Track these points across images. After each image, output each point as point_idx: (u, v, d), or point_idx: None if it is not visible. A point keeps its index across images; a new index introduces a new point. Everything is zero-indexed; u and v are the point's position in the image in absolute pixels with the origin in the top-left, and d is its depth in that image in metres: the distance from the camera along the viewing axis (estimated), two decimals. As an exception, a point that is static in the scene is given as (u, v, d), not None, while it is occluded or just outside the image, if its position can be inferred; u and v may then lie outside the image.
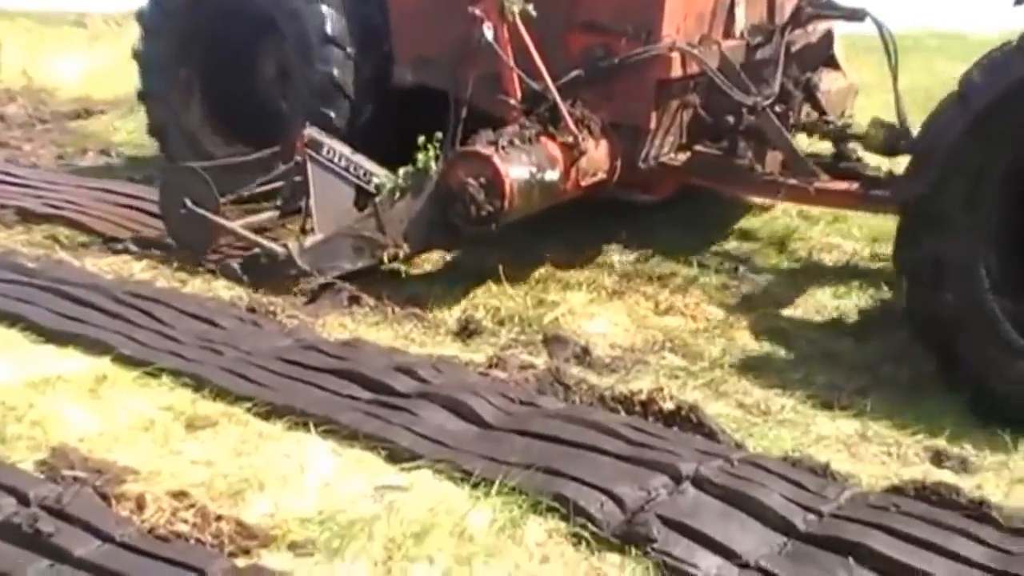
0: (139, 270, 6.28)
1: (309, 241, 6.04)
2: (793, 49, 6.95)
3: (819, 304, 6.12)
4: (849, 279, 6.42)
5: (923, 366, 5.34)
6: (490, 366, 4.99)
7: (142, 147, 8.99)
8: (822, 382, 5.25)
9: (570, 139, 5.95)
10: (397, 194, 5.96)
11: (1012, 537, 3.64)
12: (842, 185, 6.32)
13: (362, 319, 5.69)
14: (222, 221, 6.26)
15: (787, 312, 6.01)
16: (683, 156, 6.63)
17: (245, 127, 7.78)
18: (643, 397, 4.58)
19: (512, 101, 6.17)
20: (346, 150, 6.35)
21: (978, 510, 3.78)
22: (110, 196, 7.41)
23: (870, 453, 4.53)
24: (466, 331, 5.61)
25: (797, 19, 6.95)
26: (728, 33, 6.77)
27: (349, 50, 7.13)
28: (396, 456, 4.02)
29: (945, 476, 4.25)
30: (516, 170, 5.67)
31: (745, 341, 5.65)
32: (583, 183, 6.10)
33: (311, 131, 6.31)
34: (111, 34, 14.19)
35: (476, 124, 6.16)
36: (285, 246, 6.02)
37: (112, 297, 5.37)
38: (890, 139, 6.30)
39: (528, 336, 5.55)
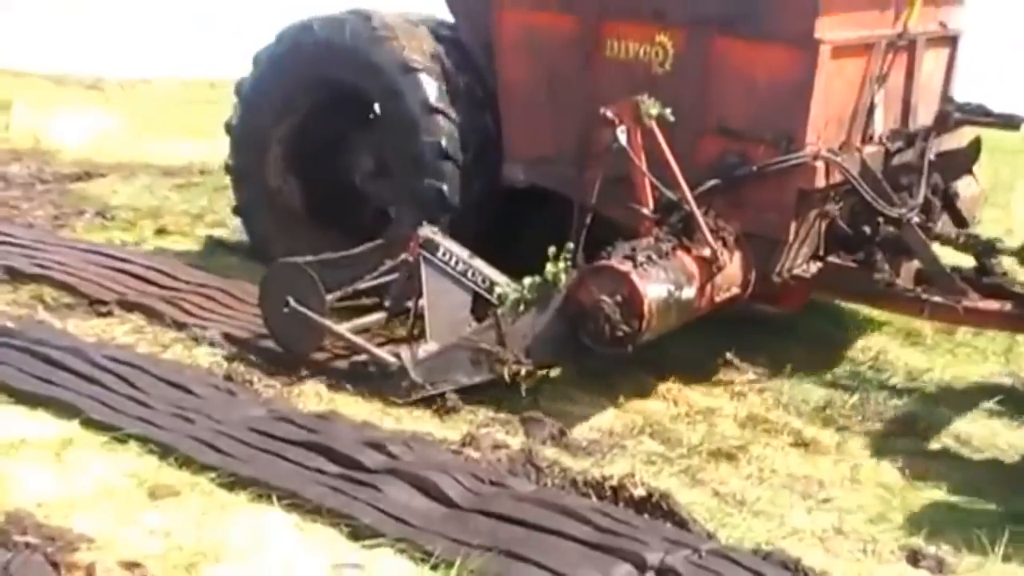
0: (121, 334, 6.18)
1: (423, 351, 5.63)
2: (935, 156, 6.58)
3: (805, 394, 6.05)
4: (839, 372, 6.37)
5: (906, 463, 5.29)
6: (463, 444, 4.92)
7: (138, 211, 9.01)
8: (802, 473, 5.18)
9: (707, 252, 5.59)
10: (522, 306, 5.54)
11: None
12: (994, 305, 5.96)
13: (340, 390, 5.64)
14: (329, 323, 5.81)
15: (772, 401, 5.95)
16: (815, 267, 6.24)
17: (340, 214, 7.43)
18: (614, 482, 4.51)
19: (645, 210, 5.76)
20: (464, 253, 5.92)
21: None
22: (100, 258, 7.37)
23: (845, 549, 4.45)
24: (444, 408, 5.52)
25: (943, 124, 6.61)
26: (866, 138, 6.40)
27: (461, 161, 6.71)
28: (358, 533, 3.97)
29: (920, 576, 4.16)
30: (654, 288, 5.26)
31: (726, 428, 5.57)
32: (717, 299, 5.74)
33: (427, 230, 5.94)
34: (124, 98, 14.36)
35: (598, 231, 5.85)
36: (398, 356, 5.61)
37: (89, 360, 5.32)
38: None
39: (506, 415, 5.47)
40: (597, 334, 5.24)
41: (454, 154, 6.66)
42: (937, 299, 5.92)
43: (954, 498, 5.00)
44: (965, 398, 6.04)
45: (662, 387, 6.01)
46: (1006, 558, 4.36)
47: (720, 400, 5.95)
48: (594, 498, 4.48)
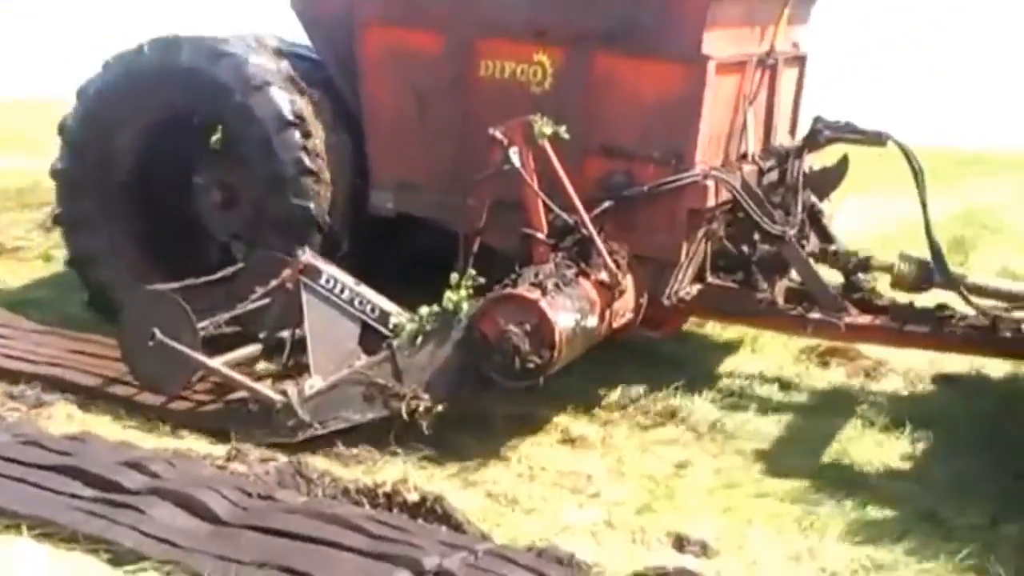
0: None
1: (310, 387, 5.24)
2: (806, 173, 6.56)
3: (570, 391, 6.14)
4: (602, 367, 6.48)
5: (669, 453, 5.46)
6: (228, 459, 4.76)
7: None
8: (570, 469, 5.24)
9: (606, 277, 5.44)
10: (419, 338, 5.21)
11: (748, 620, 3.69)
12: (874, 320, 5.99)
13: (92, 409, 5.34)
14: (203, 358, 5.36)
15: (538, 399, 6.01)
16: (695, 289, 6.14)
17: (188, 257, 6.83)
18: (387, 489, 4.45)
19: (540, 235, 5.54)
20: (349, 280, 5.57)
21: (714, 596, 3.82)
22: None
23: (615, 540, 4.52)
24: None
25: (814, 142, 6.47)
26: (740, 156, 6.35)
27: (325, 177, 6.28)
28: (120, 559, 3.78)
29: (687, 561, 4.28)
30: (564, 317, 5.06)
31: (495, 430, 5.60)
32: (615, 324, 5.59)
33: (307, 255, 5.56)
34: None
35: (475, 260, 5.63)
36: (283, 392, 5.21)
37: None
38: (923, 274, 6.02)
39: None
40: (504, 366, 5.00)
41: (317, 170, 6.24)
42: (819, 316, 5.93)
43: (714, 484, 5.19)
44: (722, 388, 6.27)
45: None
46: (765, 539, 4.55)
47: (487, 402, 5.96)
48: (367, 506, 4.42)
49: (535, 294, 5.03)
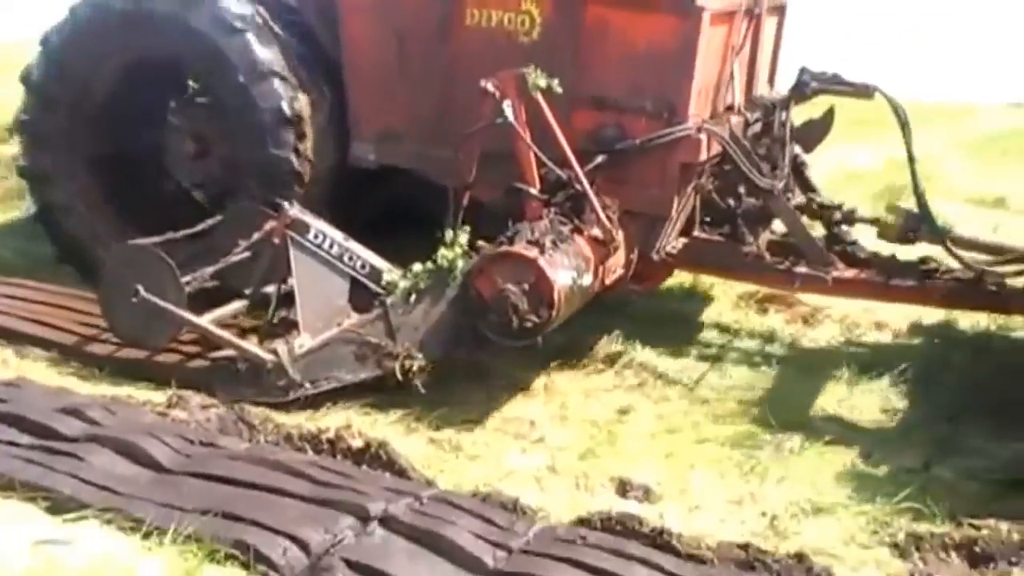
0: None
1: (301, 346, 5.08)
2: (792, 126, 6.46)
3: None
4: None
5: (611, 399, 5.48)
6: (169, 406, 4.69)
7: None
8: (513, 415, 5.26)
9: (601, 234, 5.34)
10: (413, 296, 5.12)
11: (689, 563, 3.73)
12: (861, 274, 5.98)
13: (29, 356, 5.24)
14: (188, 316, 5.18)
15: (486, 348, 5.98)
16: (680, 243, 6.10)
17: (160, 211, 6.61)
18: (331, 435, 4.43)
19: (533, 190, 5.45)
20: (338, 235, 5.40)
21: (659, 538, 3.86)
22: None
23: (559, 486, 4.56)
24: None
25: (800, 93, 6.32)
26: (727, 108, 6.27)
27: (305, 128, 6.09)
28: (59, 507, 3.70)
29: (630, 506, 4.33)
30: (562, 274, 4.96)
31: (437, 376, 5.57)
32: (607, 281, 5.51)
33: (294, 209, 5.36)
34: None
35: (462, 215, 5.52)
36: (274, 351, 5.04)
37: None
38: (908, 225, 6.02)
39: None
40: (502, 325, 4.91)
41: (296, 120, 6.05)
42: (807, 271, 5.92)
43: (656, 430, 5.23)
44: (665, 334, 6.30)
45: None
46: (706, 484, 4.60)
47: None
48: (310, 452, 4.40)
49: (533, 252, 4.91)
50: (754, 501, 4.50)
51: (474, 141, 5.48)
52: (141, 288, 5.10)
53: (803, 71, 6.29)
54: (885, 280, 5.94)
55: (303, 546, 3.53)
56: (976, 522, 4.27)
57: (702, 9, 5.53)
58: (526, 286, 4.87)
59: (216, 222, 5.80)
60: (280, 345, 5.05)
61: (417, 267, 5.16)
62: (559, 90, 5.40)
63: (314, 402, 5.08)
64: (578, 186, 5.38)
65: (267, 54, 6.03)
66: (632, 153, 5.60)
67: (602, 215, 5.36)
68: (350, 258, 5.36)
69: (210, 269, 5.47)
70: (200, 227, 5.76)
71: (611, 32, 5.66)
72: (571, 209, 5.37)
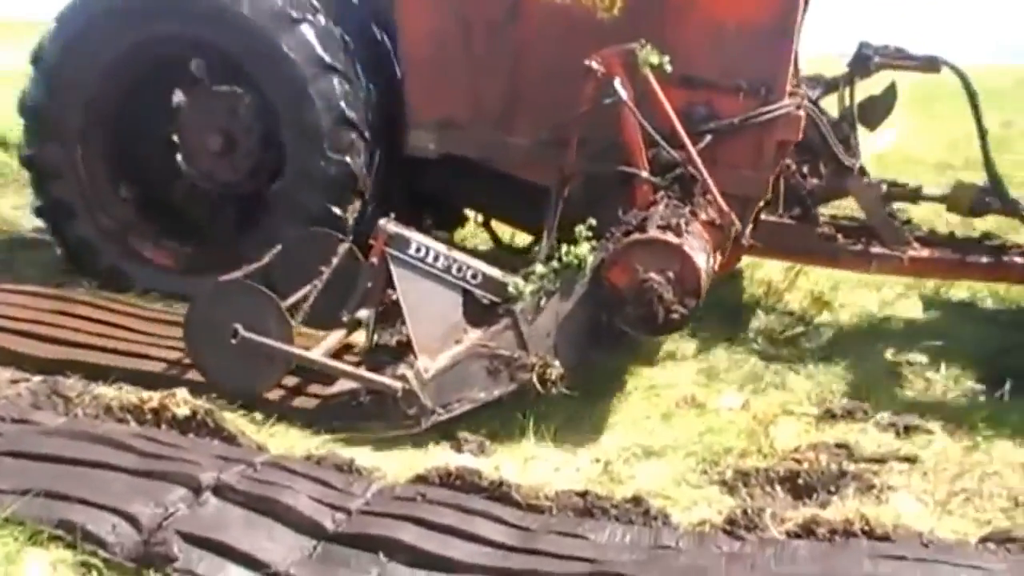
0: None
1: (427, 368, 4.58)
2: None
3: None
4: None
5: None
6: (-27, 384, 4.41)
7: None
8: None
9: (718, 218, 5.06)
10: (541, 300, 4.69)
11: (530, 514, 3.75)
12: (936, 253, 5.83)
13: None
14: (299, 351, 4.66)
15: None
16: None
17: (176, 207, 6.21)
18: (154, 404, 4.25)
19: (644, 174, 5.15)
20: (441, 247, 4.91)
21: (498, 491, 3.86)
22: None
23: (394, 445, 4.50)
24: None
25: (864, 68, 6.09)
26: (795, 86, 5.91)
27: (366, 129, 5.72)
28: None
29: (466, 460, 4.31)
30: (701, 259, 4.59)
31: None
32: (717, 268, 5.15)
33: (390, 224, 4.87)
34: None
35: (525, 205, 5.37)
36: (402, 377, 4.52)
37: None
38: (980, 199, 5.90)
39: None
40: (643, 318, 4.51)
41: (355, 122, 5.67)
42: (882, 251, 5.77)
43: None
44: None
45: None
46: (536, 434, 4.63)
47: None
48: (133, 423, 4.21)
49: (676, 237, 4.58)
50: (586, 448, 4.57)
51: (576, 125, 5.19)
52: (240, 327, 4.60)
53: (864, 45, 6.05)
54: (962, 258, 5.87)
55: (133, 521, 3.38)
56: (797, 456, 4.45)
57: None
58: (670, 274, 4.50)
59: (281, 250, 5.45)
60: (407, 370, 4.55)
61: (540, 268, 4.77)
62: (670, 68, 5.10)
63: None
64: (692, 169, 5.13)
65: (326, 48, 5.64)
66: (724, 133, 5.36)
67: (719, 198, 5.10)
68: (459, 269, 4.88)
69: (292, 299, 5.08)
70: (267, 258, 5.40)
71: (699, 6, 5.39)
72: (682, 193, 5.12)
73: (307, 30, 5.63)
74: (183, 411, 4.23)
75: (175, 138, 6.21)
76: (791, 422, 4.94)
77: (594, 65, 5.06)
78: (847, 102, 6.08)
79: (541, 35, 5.53)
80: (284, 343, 4.62)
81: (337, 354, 4.94)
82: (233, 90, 5.91)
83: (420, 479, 3.99)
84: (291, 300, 4.99)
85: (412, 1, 5.77)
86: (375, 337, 5.11)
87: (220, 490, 3.63)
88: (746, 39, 5.34)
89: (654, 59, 5.07)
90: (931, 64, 5.98)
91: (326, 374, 4.73)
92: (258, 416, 4.60)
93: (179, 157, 6.18)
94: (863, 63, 6.06)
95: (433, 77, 5.78)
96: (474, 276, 4.87)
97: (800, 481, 4.21)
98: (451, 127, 5.80)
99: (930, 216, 7.00)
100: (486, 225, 6.80)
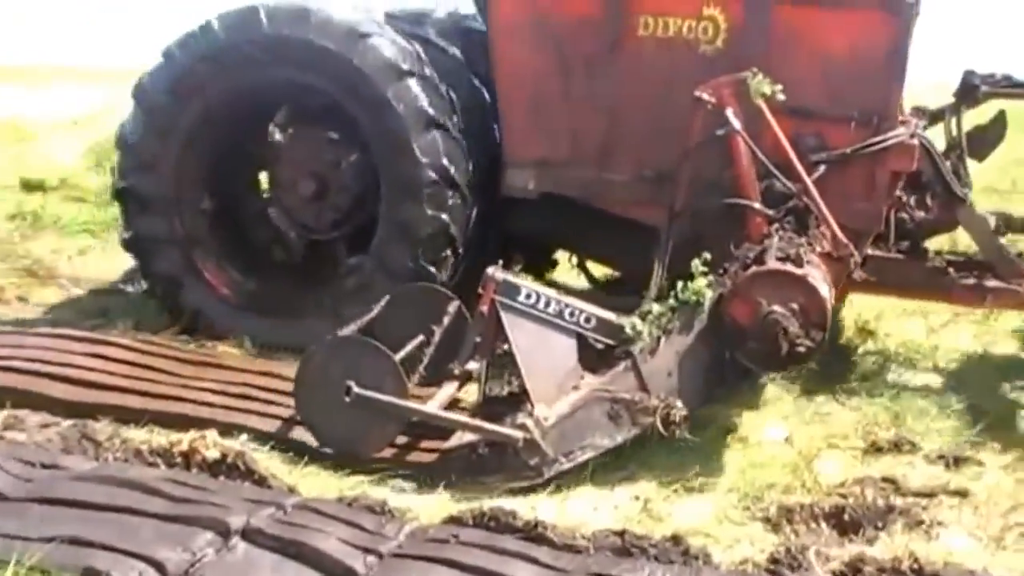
0: None
1: (546, 415, 4.45)
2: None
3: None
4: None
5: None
6: (4, 428, 4.38)
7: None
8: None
9: (835, 250, 4.94)
10: (661, 338, 4.56)
11: (566, 554, 3.65)
12: None
13: None
14: (418, 407, 4.57)
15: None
16: None
17: (259, 246, 6.22)
18: (184, 447, 4.20)
19: (757, 205, 5.06)
20: (551, 292, 4.82)
21: (534, 531, 3.77)
22: None
23: (425, 487, 4.41)
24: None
25: (972, 98, 5.89)
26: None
27: (465, 186, 5.63)
28: None
29: (501, 501, 4.21)
30: (825, 289, 4.47)
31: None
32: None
33: (498, 272, 4.75)
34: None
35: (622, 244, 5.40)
36: (523, 427, 4.39)
37: None
38: None
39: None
40: (767, 353, 4.40)
41: (459, 178, 5.61)
42: (998, 284, 5.55)
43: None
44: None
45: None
46: (573, 471, 4.51)
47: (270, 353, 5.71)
48: (163, 467, 4.16)
49: (798, 269, 4.46)
50: (625, 485, 4.45)
51: (687, 159, 5.11)
52: (354, 384, 4.49)
53: (970, 74, 5.88)
54: None
55: (160, 568, 3.32)
56: (843, 490, 4.32)
57: (910, 5, 5.16)
58: (795, 306, 4.39)
59: (386, 304, 5.33)
60: (526, 419, 4.42)
61: (656, 307, 4.66)
62: (782, 97, 5.01)
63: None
64: (808, 200, 5.02)
65: (431, 103, 5.59)
66: (835, 163, 5.23)
67: (837, 230, 4.98)
68: (571, 314, 4.75)
69: (400, 355, 4.84)
70: (375, 311, 5.27)
71: (807, 34, 5.27)
72: (797, 225, 4.99)
73: (414, 84, 5.58)
74: (213, 453, 4.18)
75: (265, 179, 6.29)
76: (836, 455, 4.81)
77: (704, 96, 5.00)
78: (955, 132, 5.90)
79: (642, 70, 5.45)
80: (399, 399, 4.51)
81: (449, 408, 4.80)
82: (330, 136, 5.91)
83: (454, 520, 3.91)
84: (399, 356, 4.82)
85: (509, 39, 5.66)
86: (486, 389, 4.98)
87: (249, 534, 3.57)
88: (855, 67, 5.23)
89: (766, 88, 4.99)
90: None
91: (440, 428, 4.60)
92: (291, 456, 4.54)
93: (268, 199, 6.26)
94: (970, 92, 5.88)
95: (531, 115, 5.69)
96: (587, 320, 4.75)
97: (846, 517, 4.08)
98: (550, 166, 5.70)
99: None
100: (580, 266, 6.68)
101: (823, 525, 4.08)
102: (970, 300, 5.75)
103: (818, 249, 4.85)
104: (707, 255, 4.66)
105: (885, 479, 4.46)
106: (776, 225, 4.98)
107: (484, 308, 4.74)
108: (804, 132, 5.21)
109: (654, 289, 4.93)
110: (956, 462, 4.70)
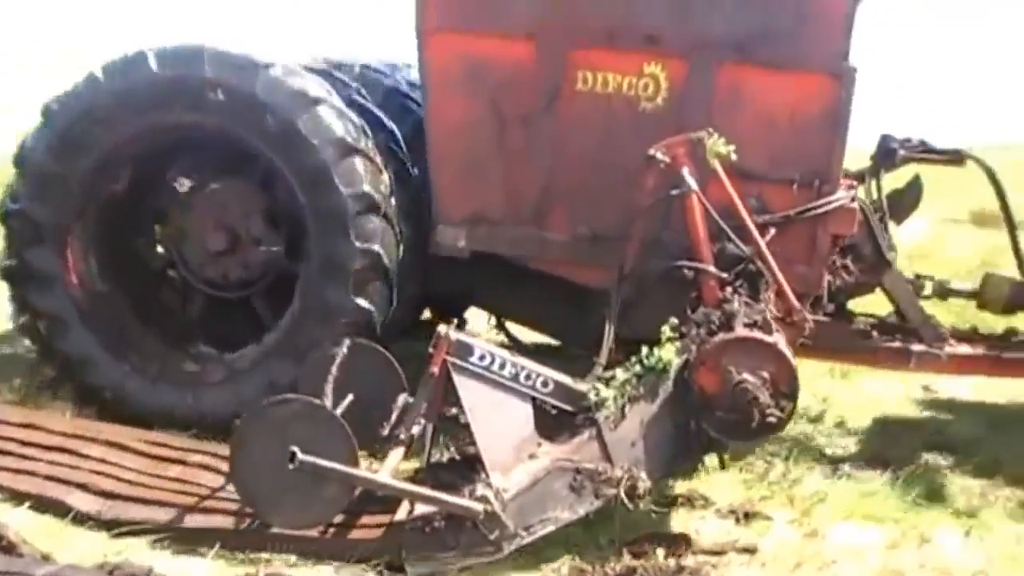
0: None
1: (508, 488, 4.16)
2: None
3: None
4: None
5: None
6: None
7: None
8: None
9: (789, 315, 4.80)
10: (626, 406, 4.33)
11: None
12: (975, 350, 5.62)
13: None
14: (370, 475, 4.19)
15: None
16: None
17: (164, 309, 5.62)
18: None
19: (711, 269, 4.86)
20: (505, 353, 4.50)
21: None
22: None
23: (197, 549, 4.09)
24: None
25: (889, 162, 5.84)
26: None
27: (394, 218, 5.28)
28: None
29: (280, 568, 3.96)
30: (793, 359, 4.34)
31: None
32: None
33: (452, 331, 4.41)
34: None
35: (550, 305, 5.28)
36: (483, 499, 4.09)
37: None
38: (1016, 294, 5.73)
39: None
40: (736, 424, 4.26)
41: (385, 208, 5.22)
42: (923, 348, 5.54)
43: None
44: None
45: None
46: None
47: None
48: None
49: (772, 337, 4.35)
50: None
51: (641, 220, 4.96)
52: (298, 451, 4.05)
53: (887, 138, 5.90)
54: (999, 354, 5.68)
55: None
56: (635, 549, 4.24)
57: (853, 68, 5.09)
58: (765, 375, 4.27)
59: (312, 361, 4.85)
60: (486, 491, 4.13)
61: (621, 374, 4.43)
62: (735, 157, 4.87)
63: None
64: (761, 263, 4.89)
65: (346, 129, 5.22)
66: (777, 226, 5.11)
67: (791, 294, 4.88)
68: (527, 377, 4.47)
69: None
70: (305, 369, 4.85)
71: (749, 94, 5.16)
72: (749, 289, 4.84)
73: (325, 111, 5.23)
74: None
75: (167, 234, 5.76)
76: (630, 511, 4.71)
77: (659, 155, 4.87)
78: (875, 195, 5.89)
79: (580, 126, 5.26)
80: (349, 466, 4.13)
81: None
82: (237, 181, 5.55)
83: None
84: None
85: (442, 90, 5.37)
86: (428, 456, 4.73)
87: (-11, 610, 3.21)
88: (798, 130, 5.17)
89: (722, 149, 4.87)
90: (956, 157, 5.91)
91: (387, 499, 4.29)
92: (42, 520, 4.15)
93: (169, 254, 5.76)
94: (888, 156, 5.88)
95: (464, 170, 5.41)
96: (544, 384, 4.49)
97: (637, 577, 3.99)
98: (483, 223, 5.43)
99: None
100: (500, 326, 6.44)
101: (614, 587, 3.98)
102: (895, 363, 5.76)
103: (772, 314, 4.72)
104: (674, 320, 4.54)
105: (677, 535, 4.40)
106: (730, 289, 4.88)
107: (435, 368, 4.42)
108: (747, 194, 5.10)
109: (605, 353, 4.72)
110: (746, 517, 4.68)
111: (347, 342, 4.83)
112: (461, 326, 6.45)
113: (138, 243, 5.78)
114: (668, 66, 5.17)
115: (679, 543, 4.32)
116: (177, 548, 4.08)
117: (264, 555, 4.07)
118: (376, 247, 5.18)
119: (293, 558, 4.09)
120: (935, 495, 5.02)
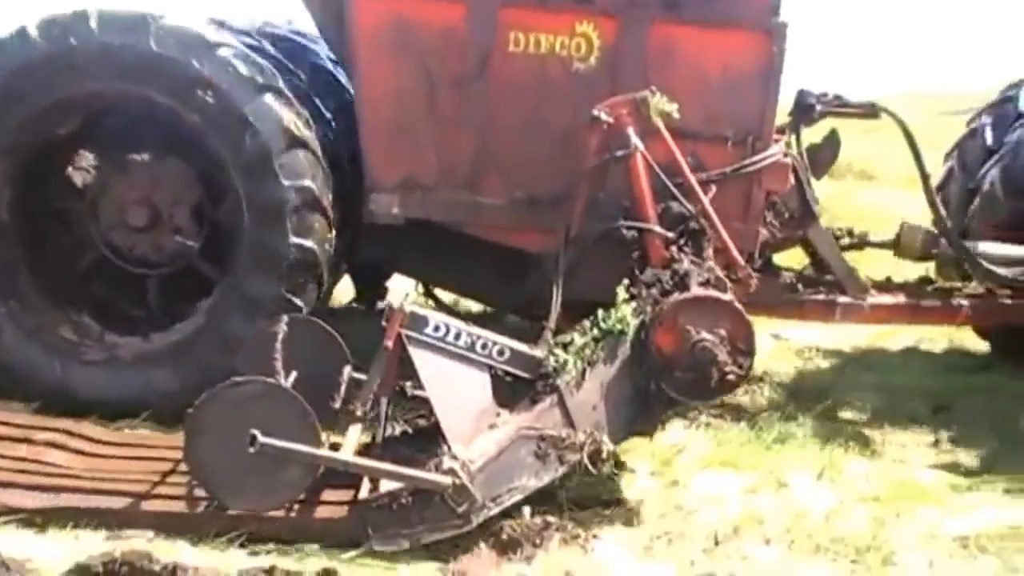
0: None
1: (474, 459, 4.05)
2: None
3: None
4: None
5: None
6: None
7: None
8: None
9: (732, 272, 4.80)
10: (586, 370, 4.22)
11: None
12: (894, 299, 5.78)
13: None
14: (332, 454, 4.08)
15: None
16: None
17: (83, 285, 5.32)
18: None
19: (657, 228, 4.79)
20: (460, 323, 4.37)
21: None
22: None
23: (47, 531, 3.95)
24: None
25: (808, 117, 5.91)
26: None
27: (330, 209, 5.06)
28: None
29: (134, 543, 3.83)
30: (747, 316, 4.30)
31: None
32: None
33: (405, 303, 4.27)
34: None
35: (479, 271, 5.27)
36: (451, 471, 3.96)
37: None
38: (929, 243, 5.90)
39: None
40: (694, 383, 4.22)
41: (323, 199, 5.03)
42: (847, 300, 5.67)
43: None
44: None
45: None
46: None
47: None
48: None
49: (727, 295, 4.32)
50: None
51: (587, 181, 4.90)
52: (258, 434, 3.88)
53: (804, 93, 5.95)
54: (916, 303, 5.87)
55: None
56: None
57: (784, 24, 5.14)
58: (723, 333, 4.23)
59: (252, 340, 4.67)
60: (452, 463, 4.02)
61: (578, 338, 4.38)
62: (676, 115, 4.88)
63: None
64: (705, 221, 4.89)
65: (292, 120, 5.01)
66: (714, 184, 5.14)
67: (735, 251, 4.91)
68: (483, 346, 4.39)
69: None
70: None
71: (682, 53, 5.17)
72: (693, 247, 4.82)
73: (272, 99, 5.04)
74: None
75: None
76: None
77: (602, 115, 4.83)
78: (795, 150, 5.96)
79: (513, 88, 5.22)
80: (311, 446, 4.01)
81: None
82: (163, 159, 5.36)
83: (81, 570, 3.53)
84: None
85: (371, 53, 5.24)
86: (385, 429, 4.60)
87: None
88: (731, 87, 5.22)
89: (666, 107, 4.88)
90: (871, 111, 6.04)
91: (347, 476, 4.18)
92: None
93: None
94: (806, 111, 5.98)
95: (396, 135, 5.30)
96: (500, 352, 4.43)
97: (504, 536, 3.97)
98: (416, 190, 5.32)
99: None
100: (428, 293, 6.32)
101: (483, 546, 3.96)
102: (821, 315, 5.87)
103: (718, 272, 4.71)
104: (626, 281, 4.53)
105: (542, 492, 4.42)
106: (675, 248, 4.87)
107: (389, 342, 4.32)
108: (682, 153, 5.09)
109: (554, 317, 4.70)
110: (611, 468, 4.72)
111: (285, 318, 4.71)
112: (382, 295, 6.52)
113: (57, 182, 5.46)
114: (600, 25, 5.17)
115: (544, 500, 4.33)
116: (27, 530, 3.92)
117: (128, 532, 3.95)
118: (310, 243, 5.06)
119: (151, 533, 3.98)
120: (788, 441, 5.15)
